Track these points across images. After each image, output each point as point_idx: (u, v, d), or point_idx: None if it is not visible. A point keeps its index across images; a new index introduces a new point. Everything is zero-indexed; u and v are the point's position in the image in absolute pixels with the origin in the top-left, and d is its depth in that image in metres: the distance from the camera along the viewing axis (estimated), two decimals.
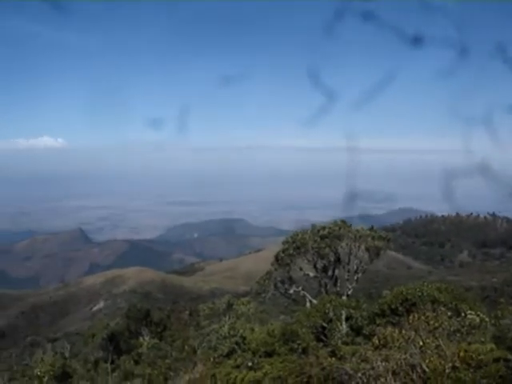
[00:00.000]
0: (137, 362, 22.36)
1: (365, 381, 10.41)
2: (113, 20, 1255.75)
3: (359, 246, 27.67)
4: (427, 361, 9.57)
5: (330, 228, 27.83)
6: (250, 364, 14.56)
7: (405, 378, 9.70)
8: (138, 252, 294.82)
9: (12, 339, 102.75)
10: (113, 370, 21.69)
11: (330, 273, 27.92)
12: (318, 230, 27.87)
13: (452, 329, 11.05)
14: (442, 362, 9.42)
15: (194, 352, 19.63)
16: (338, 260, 27.86)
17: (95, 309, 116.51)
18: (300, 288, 27.85)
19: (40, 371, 12.42)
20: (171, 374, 17.13)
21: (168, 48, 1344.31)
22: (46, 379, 11.79)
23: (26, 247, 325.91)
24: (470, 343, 10.93)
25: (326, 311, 18.73)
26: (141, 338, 24.87)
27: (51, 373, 13.49)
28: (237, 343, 16.62)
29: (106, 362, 23.05)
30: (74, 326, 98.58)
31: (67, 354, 26.84)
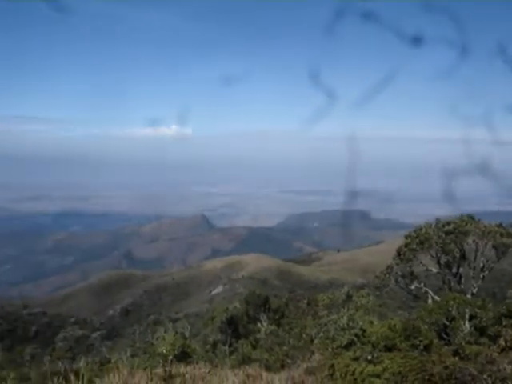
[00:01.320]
0: (254, 347, 22.57)
1: (490, 383, 9.90)
2: None
3: (486, 243, 26.47)
4: None
5: (455, 223, 26.76)
6: (369, 357, 14.22)
7: None
8: (257, 239, 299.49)
9: (136, 317, 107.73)
10: (231, 353, 22.06)
11: (454, 270, 26.88)
12: (443, 225, 26.88)
13: None
14: None
15: (312, 341, 19.51)
16: (463, 257, 26.76)
17: (214, 292, 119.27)
18: (422, 284, 27.04)
19: (165, 349, 12.76)
20: (288, 361, 17.10)
21: None
22: (170, 357, 12.08)
23: (152, 230, 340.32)
24: None
25: (449, 309, 18.03)
26: (259, 324, 25.15)
27: (175, 352, 13.84)
28: (356, 335, 16.30)
29: (224, 344, 23.51)
30: (194, 308, 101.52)
31: (187, 335, 27.51)
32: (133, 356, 25.15)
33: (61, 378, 8.17)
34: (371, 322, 19.35)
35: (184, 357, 20.09)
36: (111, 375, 8.65)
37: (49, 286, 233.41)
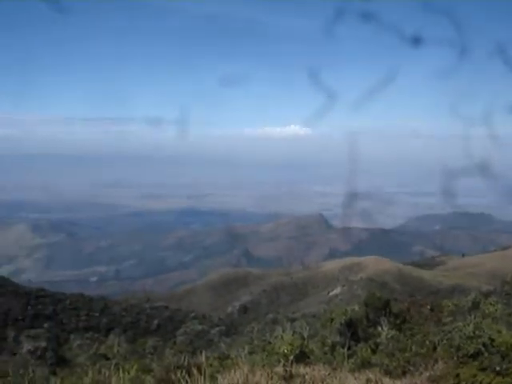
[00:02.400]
0: (374, 351, 21.96)
1: None
2: None
3: None
4: None
5: None
6: (497, 368, 13.40)
7: None
8: (375, 240, 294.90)
9: (254, 315, 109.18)
10: (349, 356, 21.60)
11: None
12: None
13: None
14: None
15: (434, 348, 18.69)
16: None
17: (332, 294, 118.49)
18: None
19: (286, 349, 12.63)
20: (410, 368, 16.44)
21: None
22: (291, 357, 11.93)
23: (270, 229, 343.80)
24: None
25: None
26: (379, 328, 24.48)
27: (296, 351, 13.66)
28: (483, 344, 15.39)
29: (342, 347, 23.07)
30: (311, 308, 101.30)
31: (305, 335, 27.22)
32: (250, 353, 25.22)
33: (184, 371, 8.22)
34: (499, 332, 18.30)
35: (302, 357, 19.86)
36: (232, 371, 8.62)
37: (169, 281, 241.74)
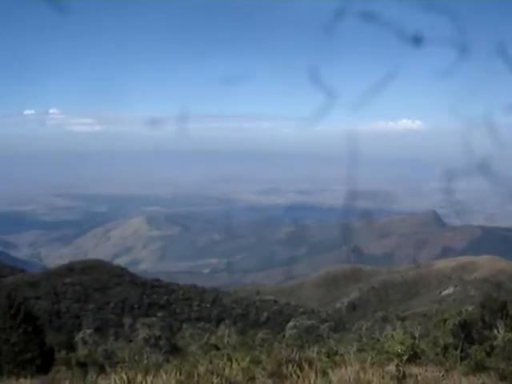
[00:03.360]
0: (489, 355, 21.11)
1: None
2: None
3: None
4: None
5: None
6: None
7: None
8: (492, 240, 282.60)
9: (362, 312, 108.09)
10: (462, 359, 20.90)
11: None
12: None
13: None
14: None
15: None
16: None
17: (444, 293, 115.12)
18: None
19: (400, 348, 12.40)
20: None
21: None
22: (405, 357, 11.69)
23: (382, 225, 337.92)
24: None
25: None
26: (495, 331, 23.51)
27: (409, 351, 13.37)
28: None
29: (455, 348, 22.34)
30: (422, 308, 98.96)
31: (416, 335, 26.65)
32: (359, 351, 24.96)
33: (295, 365, 8.26)
34: None
35: (413, 357, 19.42)
36: (343, 368, 8.55)
37: (279, 275, 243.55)
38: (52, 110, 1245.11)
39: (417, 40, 7.20)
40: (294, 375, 7.89)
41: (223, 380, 7.47)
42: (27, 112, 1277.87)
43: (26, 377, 13.69)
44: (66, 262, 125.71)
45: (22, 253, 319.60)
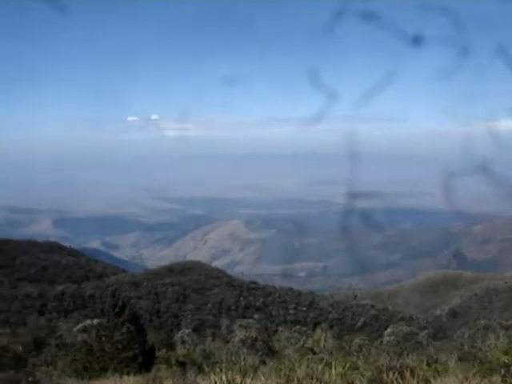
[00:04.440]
0: None
1: None
2: None
3: None
4: None
5: None
6: None
7: None
8: None
9: (463, 319, 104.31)
10: None
11: None
12: None
13: None
14: None
15: None
16: None
17: None
18: None
19: (507, 359, 11.81)
20: None
21: None
22: None
23: (484, 230, 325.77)
24: None
25: None
26: None
27: None
28: None
29: None
30: None
31: None
32: (460, 360, 24.13)
33: (396, 373, 8.07)
34: None
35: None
36: (445, 377, 8.25)
37: (376, 280, 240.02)
38: (153, 116, 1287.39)
39: (416, 40, 7.06)
40: (395, 383, 7.70)
41: None
42: (130, 118, 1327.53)
43: (129, 374, 14.15)
44: (165, 263, 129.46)
45: (124, 254, 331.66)
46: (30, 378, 10.31)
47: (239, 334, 37.16)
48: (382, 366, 8.78)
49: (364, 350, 39.07)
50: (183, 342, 42.07)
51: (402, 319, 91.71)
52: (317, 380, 7.81)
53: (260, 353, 32.58)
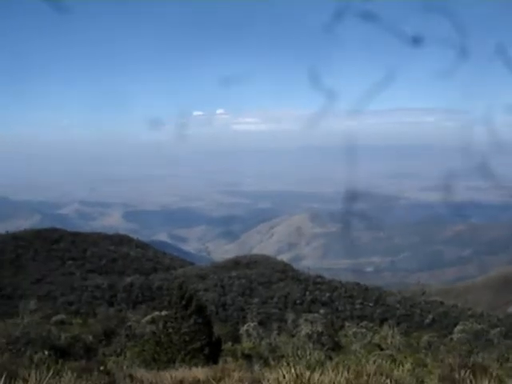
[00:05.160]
0: None
1: None
2: None
3: None
4: None
5: None
6: None
7: None
8: None
9: None
10: None
11: None
12: None
13: None
14: None
15: None
16: None
17: None
18: None
19: None
20: None
21: None
22: None
23: None
24: None
25: None
26: None
27: None
28: None
29: None
30: None
31: None
32: None
33: (468, 371, 7.83)
34: None
35: None
36: None
37: (444, 276, 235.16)
38: (219, 111, 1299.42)
39: (416, 40, 6.86)
40: (467, 381, 7.47)
41: (392, 381, 7.25)
42: (196, 113, 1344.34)
43: (196, 365, 14.32)
44: (232, 256, 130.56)
45: (191, 246, 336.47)
46: (102, 368, 10.56)
47: (305, 329, 37.07)
48: (454, 363, 8.54)
49: (433, 347, 38.35)
50: (249, 335, 42.29)
51: (472, 316, 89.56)
52: (386, 377, 7.66)
53: (326, 347, 32.41)
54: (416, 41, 7.21)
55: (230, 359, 22.83)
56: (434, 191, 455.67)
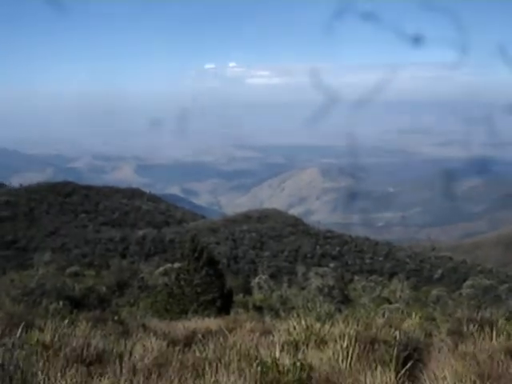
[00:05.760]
0: None
1: None
2: None
3: None
4: None
5: None
6: None
7: None
8: None
9: None
10: None
11: None
12: None
13: None
14: None
15: None
16: None
17: None
18: None
19: None
20: None
21: None
22: None
23: None
24: None
25: None
26: None
27: None
28: None
29: None
30: None
31: None
32: None
33: (476, 325, 7.94)
34: None
35: None
36: None
37: (456, 232, 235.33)
38: (231, 64, 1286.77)
39: (416, 40, 6.68)
40: (475, 335, 7.58)
41: (401, 334, 7.37)
42: (208, 66, 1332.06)
43: (209, 316, 14.58)
44: (243, 210, 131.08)
45: (202, 200, 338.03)
46: (116, 317, 10.80)
47: (315, 282, 37.51)
48: (462, 317, 8.65)
49: (441, 301, 38.74)
50: (260, 288, 42.85)
51: (481, 272, 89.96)
52: (396, 329, 7.79)
53: (335, 301, 32.82)
54: (416, 41, 7.11)
55: (241, 311, 23.20)
56: (448, 146, 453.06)
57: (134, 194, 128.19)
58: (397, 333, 7.33)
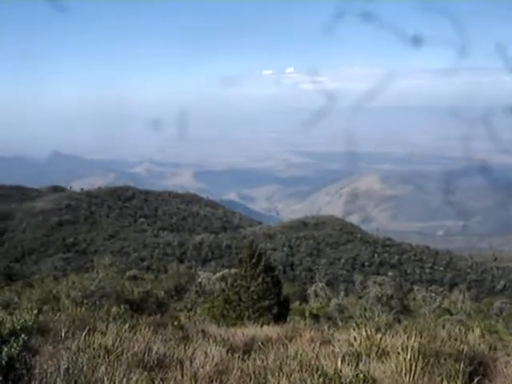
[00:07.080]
0: None
1: None
2: None
3: None
4: None
5: None
6: None
7: None
8: None
9: None
10: None
11: None
12: None
13: None
14: None
15: None
16: None
17: None
18: None
19: None
20: None
21: None
22: None
23: None
24: None
25: None
26: None
27: None
28: None
29: None
30: None
31: None
32: None
33: None
34: None
35: None
36: None
37: None
38: (288, 70, 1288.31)
39: (416, 40, 6.29)
40: None
41: (466, 347, 7.16)
42: (265, 72, 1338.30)
43: (267, 323, 14.54)
44: (300, 216, 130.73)
45: (259, 206, 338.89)
46: (176, 322, 10.88)
47: (374, 291, 36.96)
48: None
49: (504, 313, 37.59)
50: (316, 296, 42.53)
51: None
52: (461, 342, 7.57)
53: (394, 311, 32.26)
54: (416, 41, 6.88)
55: (297, 318, 23.07)
56: (509, 154, 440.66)
57: (192, 199, 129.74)
58: (463, 346, 7.12)
